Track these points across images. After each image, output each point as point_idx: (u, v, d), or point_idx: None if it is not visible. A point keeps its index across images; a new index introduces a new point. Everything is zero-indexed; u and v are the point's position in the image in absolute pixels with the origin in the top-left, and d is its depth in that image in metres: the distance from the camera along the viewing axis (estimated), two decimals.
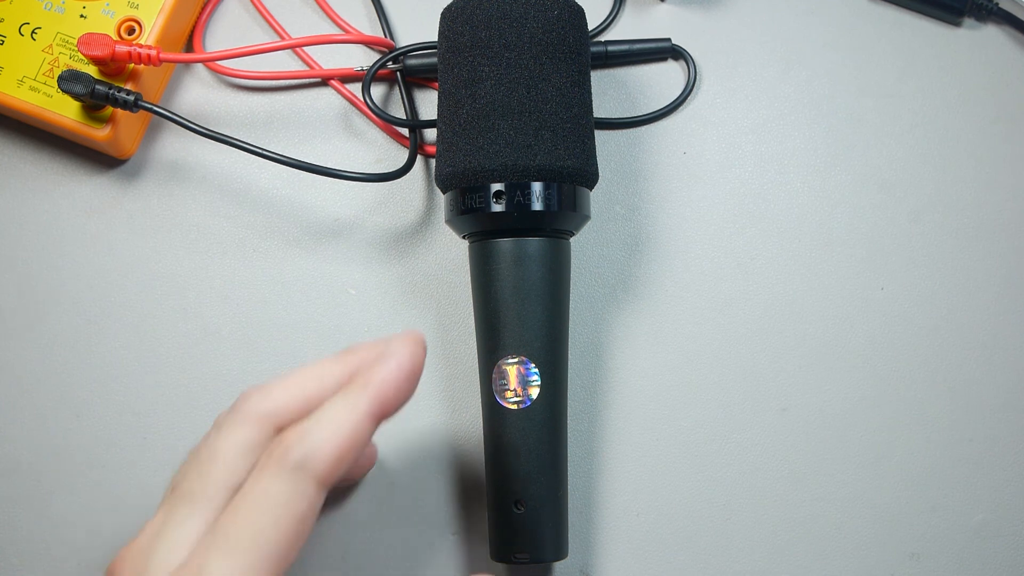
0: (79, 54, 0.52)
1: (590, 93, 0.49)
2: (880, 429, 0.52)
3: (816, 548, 0.51)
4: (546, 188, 0.47)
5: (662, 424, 0.52)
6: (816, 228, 0.54)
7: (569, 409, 0.49)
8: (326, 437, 0.37)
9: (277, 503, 0.36)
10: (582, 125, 0.48)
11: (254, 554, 0.36)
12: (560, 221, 0.48)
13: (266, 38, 0.57)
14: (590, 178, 0.48)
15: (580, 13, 0.49)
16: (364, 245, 0.55)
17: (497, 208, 0.46)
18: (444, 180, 0.48)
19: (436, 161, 0.49)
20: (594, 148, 0.49)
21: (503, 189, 0.46)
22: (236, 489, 0.38)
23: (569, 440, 0.49)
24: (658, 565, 0.51)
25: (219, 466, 0.38)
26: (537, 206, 0.46)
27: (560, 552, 0.48)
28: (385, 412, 0.39)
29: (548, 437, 0.47)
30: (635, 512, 0.52)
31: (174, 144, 0.56)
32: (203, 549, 0.36)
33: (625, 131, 0.56)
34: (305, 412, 0.39)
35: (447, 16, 0.49)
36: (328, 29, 0.57)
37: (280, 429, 0.39)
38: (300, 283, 0.54)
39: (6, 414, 0.53)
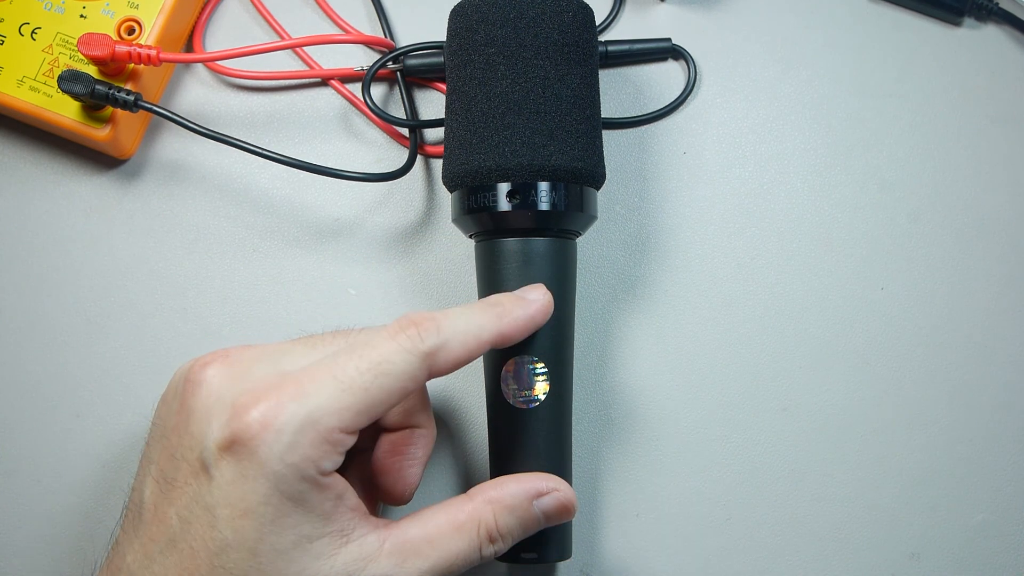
0: (79, 54, 0.52)
1: (599, 93, 0.49)
2: (880, 429, 0.52)
3: (816, 548, 0.51)
4: (557, 188, 0.47)
5: (662, 424, 0.52)
6: (816, 228, 0.54)
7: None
8: (458, 341, 0.42)
9: (394, 373, 0.40)
10: (593, 126, 0.48)
11: (357, 399, 0.40)
12: (568, 221, 0.48)
13: (266, 38, 0.57)
14: (599, 179, 0.48)
15: (591, 14, 0.49)
16: (364, 245, 0.55)
17: (508, 207, 0.46)
18: (455, 179, 0.48)
19: (444, 160, 0.49)
20: (602, 148, 0.49)
21: (516, 188, 0.46)
22: None
23: None
24: (658, 565, 0.51)
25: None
26: (547, 206, 0.46)
27: (565, 552, 0.48)
28: (503, 343, 0.44)
29: (555, 436, 0.47)
30: (635, 512, 0.52)
31: (174, 144, 0.56)
32: (317, 370, 0.40)
33: (625, 131, 0.56)
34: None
35: (459, 14, 0.48)
36: (328, 29, 0.57)
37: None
38: (300, 283, 0.54)
39: (6, 414, 0.53)
